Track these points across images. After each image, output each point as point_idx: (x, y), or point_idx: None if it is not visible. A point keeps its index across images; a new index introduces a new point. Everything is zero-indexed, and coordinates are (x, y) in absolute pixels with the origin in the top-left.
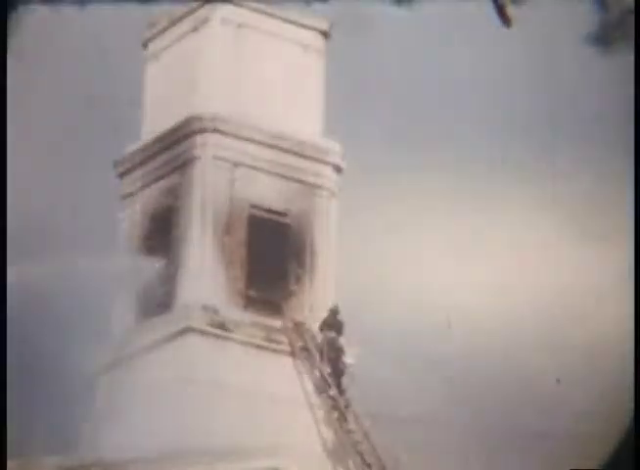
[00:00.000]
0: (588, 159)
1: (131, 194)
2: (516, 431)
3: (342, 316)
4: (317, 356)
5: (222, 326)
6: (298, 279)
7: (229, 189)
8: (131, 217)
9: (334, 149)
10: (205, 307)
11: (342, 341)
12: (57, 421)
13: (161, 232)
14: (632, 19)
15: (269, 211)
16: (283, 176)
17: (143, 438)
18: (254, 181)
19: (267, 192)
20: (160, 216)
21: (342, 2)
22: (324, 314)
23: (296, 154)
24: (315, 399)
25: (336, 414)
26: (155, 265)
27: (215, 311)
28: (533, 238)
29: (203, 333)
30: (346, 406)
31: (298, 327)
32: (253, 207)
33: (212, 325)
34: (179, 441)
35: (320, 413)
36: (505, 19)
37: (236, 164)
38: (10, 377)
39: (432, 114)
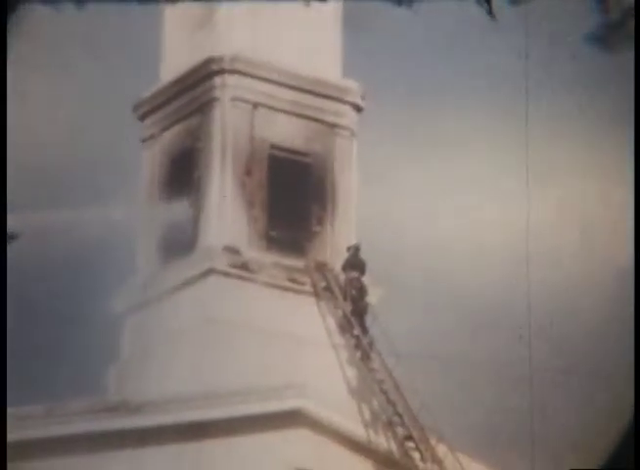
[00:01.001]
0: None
1: (151, 136)
2: (534, 367)
3: (365, 256)
4: (340, 296)
5: (245, 267)
6: (320, 219)
7: (249, 130)
8: (152, 160)
9: (353, 88)
10: (227, 249)
11: (365, 280)
12: (82, 364)
13: (182, 174)
14: (632, 19)
15: (290, 151)
16: (303, 116)
17: (168, 379)
18: (274, 121)
19: (287, 132)
20: (180, 159)
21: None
22: (346, 255)
23: (315, 93)
24: (338, 339)
25: (359, 354)
26: (176, 208)
27: (237, 252)
28: (548, 175)
29: (225, 274)
30: (370, 346)
31: (321, 267)
32: (274, 147)
33: (235, 266)
34: (202, 382)
35: (343, 353)
36: (491, 10)
37: (255, 105)
38: (37, 321)
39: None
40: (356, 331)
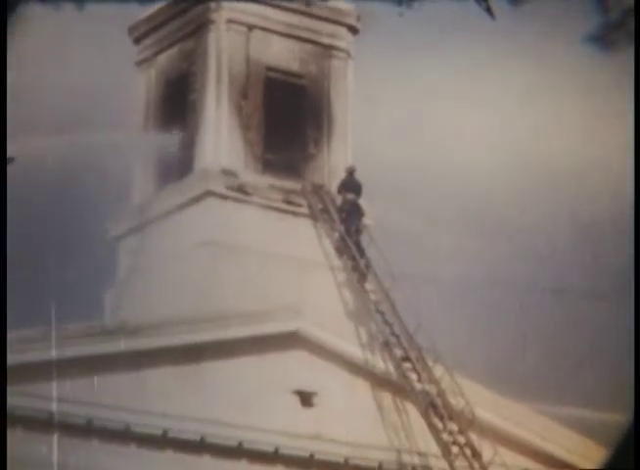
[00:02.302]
0: None
1: (146, 60)
2: (531, 288)
3: (361, 178)
4: (336, 218)
5: (241, 189)
6: (317, 142)
7: (244, 52)
8: (147, 84)
9: (349, 10)
10: (223, 171)
11: (361, 202)
12: (79, 288)
13: (178, 98)
14: (632, 19)
15: (285, 73)
16: (298, 38)
17: (165, 302)
18: (270, 44)
19: (283, 54)
20: (175, 82)
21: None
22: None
23: (311, 15)
24: (335, 261)
25: (356, 275)
26: (172, 132)
27: (234, 175)
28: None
29: (222, 197)
30: (367, 267)
31: (317, 189)
32: (270, 69)
33: (231, 189)
34: (200, 304)
35: (340, 275)
36: (490, 10)
37: (251, 28)
38: (33, 247)
39: None
40: (353, 253)
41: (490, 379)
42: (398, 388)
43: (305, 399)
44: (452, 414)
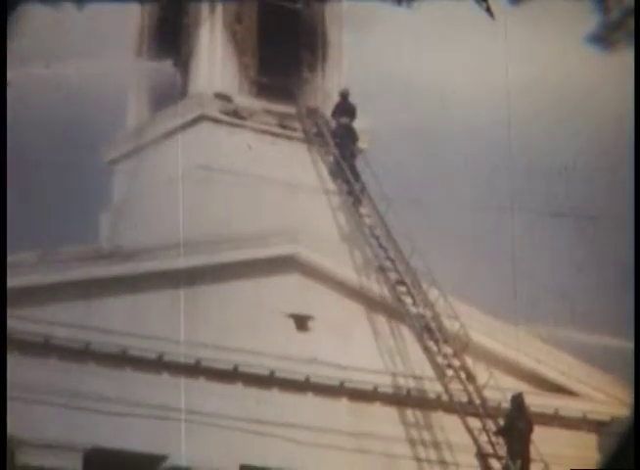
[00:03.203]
0: None
1: None
2: (527, 211)
3: (356, 101)
4: (331, 142)
5: (235, 114)
6: (311, 66)
7: None
8: (141, 9)
9: None
10: (217, 95)
11: (356, 126)
12: (75, 211)
13: (172, 23)
14: (632, 19)
15: None
16: None
17: (160, 226)
18: None
19: None
20: (169, 7)
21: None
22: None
23: None
24: (330, 185)
25: (351, 199)
26: (166, 57)
27: (228, 99)
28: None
29: (216, 121)
30: (361, 191)
31: (312, 113)
32: None
33: (225, 113)
34: (195, 228)
35: (335, 199)
36: (490, 10)
37: None
38: (30, 168)
39: None
40: (347, 177)
41: (485, 302)
42: (393, 311)
43: (301, 322)
44: (447, 338)
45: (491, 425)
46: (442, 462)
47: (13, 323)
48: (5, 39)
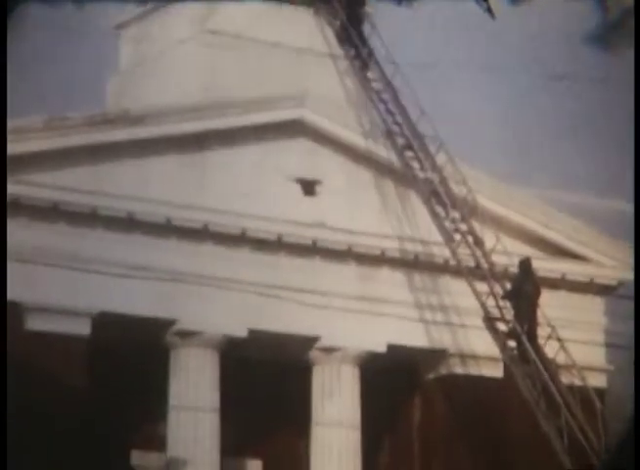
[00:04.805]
0: None
1: None
2: (532, 75)
3: None
4: (338, 6)
5: None
6: None
7: None
8: None
9: None
10: None
11: None
12: (82, 77)
13: None
14: (632, 19)
15: None
16: None
17: (167, 90)
18: None
19: None
20: None
21: None
22: None
23: None
24: (338, 50)
25: (358, 63)
26: None
27: None
28: None
29: None
30: (369, 55)
31: None
32: None
33: None
34: (202, 93)
35: (343, 64)
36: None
37: None
38: (34, 34)
39: None
40: (355, 41)
41: (493, 166)
42: (401, 176)
43: (308, 187)
44: (455, 202)
45: (499, 289)
46: (449, 324)
47: (20, 189)
48: (5, 39)
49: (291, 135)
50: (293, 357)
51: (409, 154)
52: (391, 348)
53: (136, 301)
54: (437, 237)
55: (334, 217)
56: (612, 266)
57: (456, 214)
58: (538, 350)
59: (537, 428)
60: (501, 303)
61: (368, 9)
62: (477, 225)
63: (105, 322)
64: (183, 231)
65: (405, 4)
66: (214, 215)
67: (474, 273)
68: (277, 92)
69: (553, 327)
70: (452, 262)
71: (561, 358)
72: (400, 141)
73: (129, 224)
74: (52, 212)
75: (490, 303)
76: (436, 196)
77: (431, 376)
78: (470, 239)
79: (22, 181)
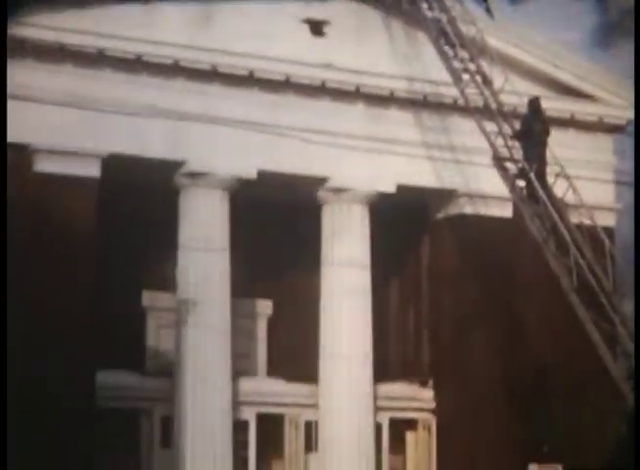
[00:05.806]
0: None
1: None
2: None
3: None
4: None
5: None
6: None
7: None
8: None
9: None
10: None
11: None
12: None
13: None
14: (631, 19)
15: None
16: None
17: None
18: None
19: None
20: None
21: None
22: None
23: None
24: None
25: None
26: None
27: None
28: None
29: None
30: None
31: None
32: None
33: None
34: None
35: None
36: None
37: None
38: None
39: None
40: None
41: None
42: (409, 17)
43: (316, 27)
44: (463, 42)
45: (507, 129)
46: (459, 163)
47: (27, 31)
48: (5, 39)
49: None
50: (302, 198)
51: None
52: (401, 188)
53: (145, 142)
54: (446, 77)
55: (342, 58)
56: (621, 106)
57: (465, 54)
58: (547, 189)
59: (546, 267)
60: (510, 142)
61: None
62: (485, 65)
63: (114, 164)
64: (191, 72)
65: None
66: (222, 57)
67: (482, 113)
68: None
69: (562, 166)
70: (461, 102)
71: (570, 198)
72: None
73: (136, 65)
74: (58, 54)
75: (499, 142)
76: (445, 35)
77: (440, 216)
78: (478, 79)
79: (28, 24)
